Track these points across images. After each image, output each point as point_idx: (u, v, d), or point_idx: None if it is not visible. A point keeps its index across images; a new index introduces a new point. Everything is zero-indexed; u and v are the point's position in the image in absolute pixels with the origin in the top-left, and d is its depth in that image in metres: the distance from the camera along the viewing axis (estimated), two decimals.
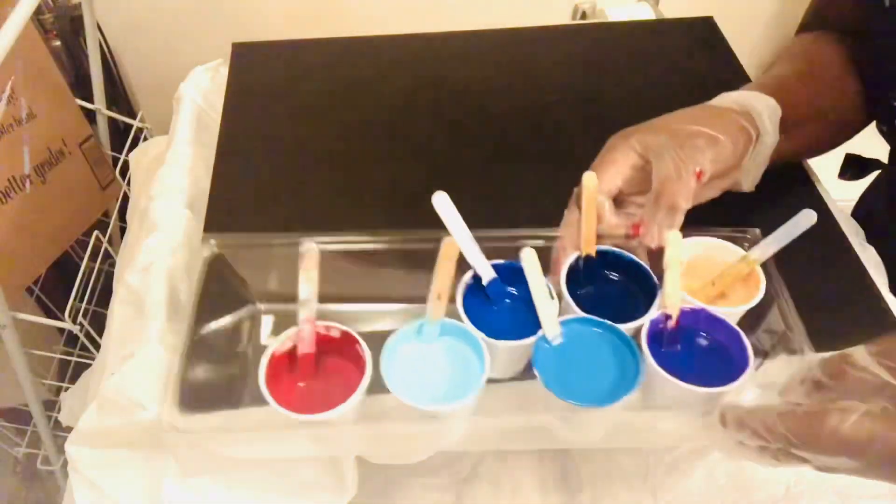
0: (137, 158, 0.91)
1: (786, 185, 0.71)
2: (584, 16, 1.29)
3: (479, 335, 0.45)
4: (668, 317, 0.46)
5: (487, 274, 0.48)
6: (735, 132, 0.51)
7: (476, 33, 0.89)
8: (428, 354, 0.46)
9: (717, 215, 0.53)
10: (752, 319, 0.49)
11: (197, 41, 1.24)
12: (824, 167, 0.79)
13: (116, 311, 0.65)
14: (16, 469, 1.23)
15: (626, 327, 0.46)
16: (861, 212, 0.86)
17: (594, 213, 0.49)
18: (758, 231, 0.52)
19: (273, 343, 0.45)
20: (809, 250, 0.65)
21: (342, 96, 0.81)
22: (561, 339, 0.46)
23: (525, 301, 0.47)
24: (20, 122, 0.91)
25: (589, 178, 0.49)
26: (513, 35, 0.89)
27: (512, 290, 0.50)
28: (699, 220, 0.51)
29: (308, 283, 0.45)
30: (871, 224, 0.74)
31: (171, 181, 0.71)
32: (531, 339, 0.45)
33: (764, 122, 0.54)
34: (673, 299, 0.46)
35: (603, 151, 0.52)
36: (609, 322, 0.46)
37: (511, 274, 0.48)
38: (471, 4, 1.26)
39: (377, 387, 0.44)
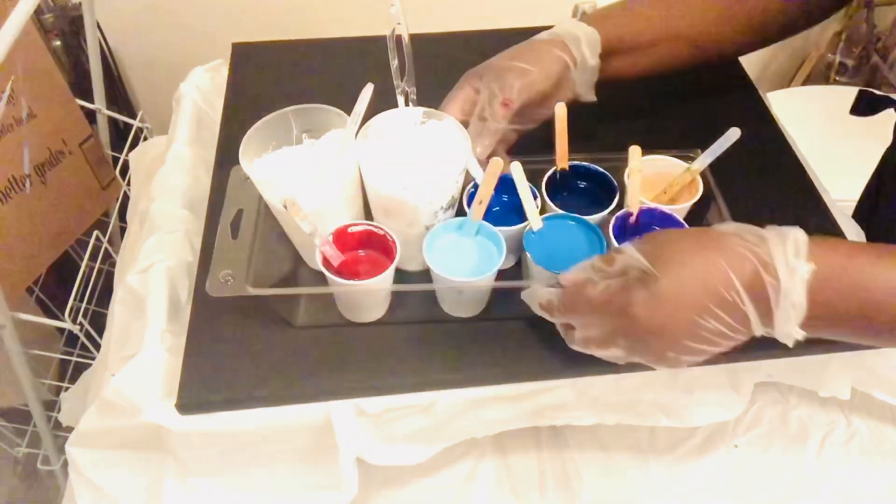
0: (137, 158, 0.91)
1: (787, 186, 0.71)
2: (584, 16, 1.29)
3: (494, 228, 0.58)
4: (630, 214, 0.59)
5: None
6: (547, 63, 0.61)
7: (477, 33, 0.88)
8: (463, 244, 0.59)
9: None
10: (696, 219, 0.62)
11: (197, 41, 1.24)
12: (825, 167, 0.79)
13: (116, 311, 0.65)
14: (16, 469, 1.23)
15: (592, 219, 0.59)
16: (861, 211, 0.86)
17: (565, 136, 0.61)
18: (698, 150, 0.62)
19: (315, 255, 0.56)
20: None
21: (342, 96, 0.81)
22: (544, 229, 0.58)
23: (514, 205, 0.60)
24: (20, 122, 0.91)
25: (560, 108, 0.60)
26: (514, 35, 0.89)
27: (504, 197, 0.63)
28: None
29: (304, 222, 0.53)
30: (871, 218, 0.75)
31: (171, 181, 0.71)
32: (520, 227, 0.59)
33: (582, 49, 0.63)
34: (634, 200, 0.59)
35: (453, 90, 0.64)
36: (579, 216, 0.59)
37: (503, 183, 0.60)
38: (471, 4, 1.25)
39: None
